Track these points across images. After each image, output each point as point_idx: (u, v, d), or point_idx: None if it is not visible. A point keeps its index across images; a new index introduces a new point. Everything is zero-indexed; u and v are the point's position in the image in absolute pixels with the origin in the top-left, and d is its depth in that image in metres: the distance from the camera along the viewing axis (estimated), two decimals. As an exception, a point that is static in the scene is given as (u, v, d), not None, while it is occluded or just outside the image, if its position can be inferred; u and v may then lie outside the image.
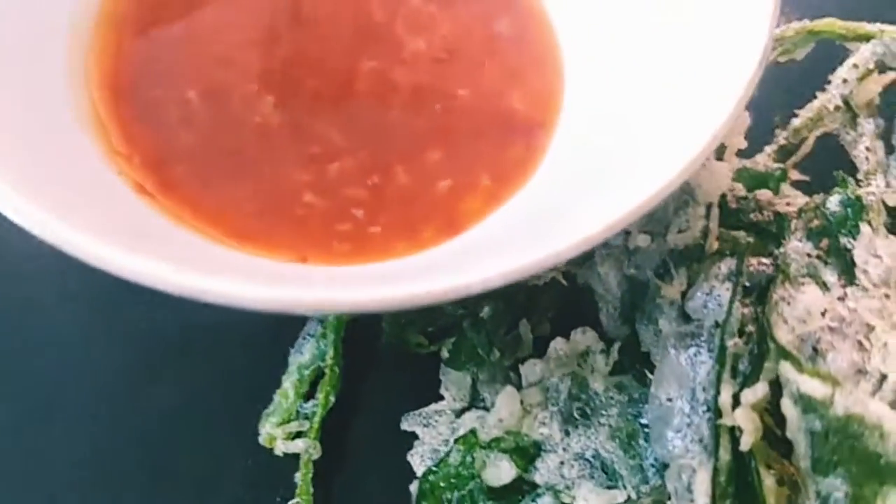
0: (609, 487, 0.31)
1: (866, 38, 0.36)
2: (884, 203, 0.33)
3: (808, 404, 0.26)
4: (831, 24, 0.37)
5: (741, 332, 0.29)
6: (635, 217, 0.25)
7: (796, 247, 0.30)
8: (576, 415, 0.32)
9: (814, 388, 0.26)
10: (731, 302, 0.29)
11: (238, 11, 0.37)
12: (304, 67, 0.36)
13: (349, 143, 0.34)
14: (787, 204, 0.35)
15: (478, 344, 0.35)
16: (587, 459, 0.31)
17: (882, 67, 0.37)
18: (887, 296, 0.29)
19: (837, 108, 0.36)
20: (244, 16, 0.37)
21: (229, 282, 0.24)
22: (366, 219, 0.33)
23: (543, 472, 0.31)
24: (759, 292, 0.29)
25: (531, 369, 0.34)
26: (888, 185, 0.37)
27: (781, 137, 0.39)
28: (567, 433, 0.32)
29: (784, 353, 0.27)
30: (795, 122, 0.38)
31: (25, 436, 0.35)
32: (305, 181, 0.33)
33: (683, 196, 0.31)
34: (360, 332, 0.37)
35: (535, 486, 0.32)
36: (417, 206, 0.34)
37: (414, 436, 0.35)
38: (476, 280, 0.25)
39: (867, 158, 0.35)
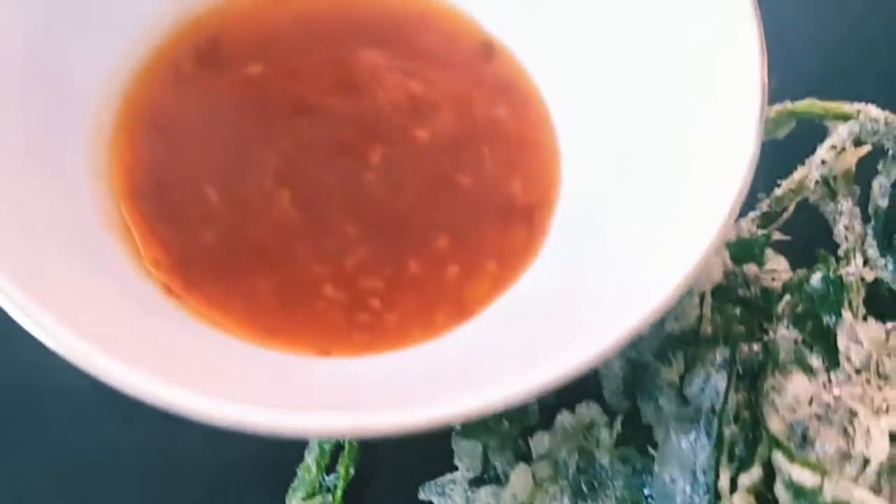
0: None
1: (844, 117, 0.39)
2: (862, 279, 0.36)
3: (799, 491, 0.29)
4: (811, 104, 0.39)
5: (736, 418, 0.31)
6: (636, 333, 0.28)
7: (784, 334, 0.33)
8: (584, 488, 0.35)
9: (804, 477, 0.29)
10: (727, 391, 0.31)
11: (250, 108, 0.39)
12: (315, 162, 0.38)
13: (362, 235, 0.37)
14: (773, 279, 0.37)
15: (489, 416, 0.38)
16: (597, 532, 0.34)
17: (858, 142, 0.40)
18: (868, 381, 0.31)
19: (816, 182, 0.39)
20: (256, 112, 0.38)
21: (253, 412, 0.26)
22: (382, 308, 0.35)
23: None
24: (751, 378, 0.32)
25: (540, 441, 0.36)
26: (865, 257, 0.39)
27: (765, 204, 0.41)
28: (578, 504, 0.34)
29: (776, 443, 0.30)
30: (777, 191, 0.41)
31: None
32: (324, 274, 0.36)
33: (680, 286, 0.34)
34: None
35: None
36: (429, 294, 0.36)
37: (430, 504, 0.38)
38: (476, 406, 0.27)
39: (846, 237, 0.38)
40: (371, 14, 0.41)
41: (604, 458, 0.35)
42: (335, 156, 0.38)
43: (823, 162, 0.38)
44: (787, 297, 0.35)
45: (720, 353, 0.32)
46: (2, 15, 0.33)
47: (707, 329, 0.34)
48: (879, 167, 0.41)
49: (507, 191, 0.38)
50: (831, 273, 0.36)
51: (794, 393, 0.31)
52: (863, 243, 0.40)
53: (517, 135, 0.40)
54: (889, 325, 0.34)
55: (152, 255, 0.34)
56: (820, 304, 0.35)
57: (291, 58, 0.40)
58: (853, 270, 0.35)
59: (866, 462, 0.30)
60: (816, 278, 0.36)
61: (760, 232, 0.41)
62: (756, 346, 0.33)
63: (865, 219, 0.41)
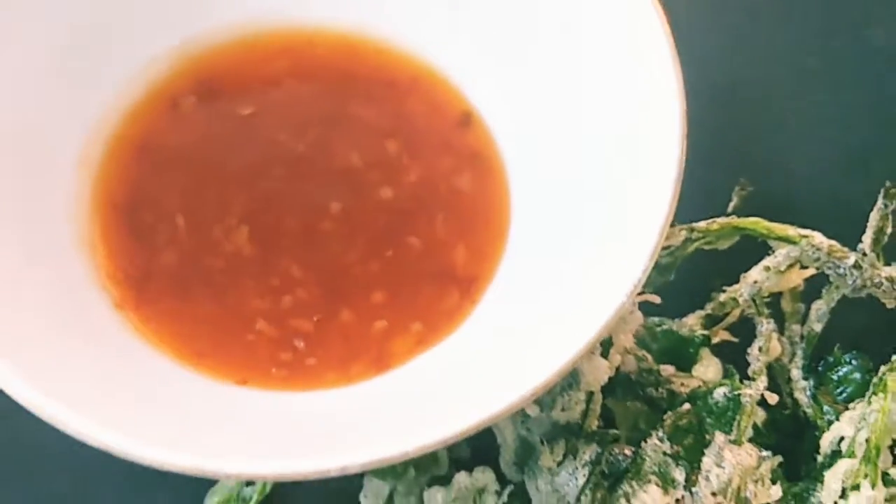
0: None
1: (786, 240, 0.40)
2: (765, 402, 0.37)
3: None
4: (756, 222, 0.40)
5: (590, 516, 0.33)
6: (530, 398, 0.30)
7: (655, 444, 0.34)
8: (460, 546, 0.37)
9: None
10: (582, 489, 0.33)
11: (234, 146, 0.42)
12: (280, 205, 0.41)
13: (305, 278, 0.40)
14: (682, 384, 0.38)
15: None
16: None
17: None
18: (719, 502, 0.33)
19: (746, 301, 0.40)
20: (238, 151, 0.42)
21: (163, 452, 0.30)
22: (306, 350, 0.39)
23: None
24: (614, 480, 0.34)
25: (434, 496, 0.39)
26: (789, 376, 0.40)
27: (708, 307, 0.42)
28: (448, 561, 0.37)
29: (609, 548, 0.32)
30: (721, 297, 0.42)
31: None
32: (261, 309, 0.39)
33: (569, 379, 0.36)
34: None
35: None
36: (352, 343, 0.39)
37: (330, 531, 0.41)
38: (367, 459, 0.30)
39: (758, 359, 0.39)
40: (365, 72, 0.44)
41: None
42: (300, 201, 0.42)
43: (755, 282, 0.39)
44: (687, 405, 0.36)
45: (591, 451, 0.34)
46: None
47: (591, 424, 0.36)
48: (823, 291, 0.41)
49: (450, 258, 0.41)
50: (733, 391, 0.37)
51: (643, 502, 0.32)
52: (790, 361, 0.41)
53: (473, 207, 0.42)
54: (764, 453, 0.35)
55: (113, 268, 0.39)
56: (718, 418, 0.37)
57: (282, 104, 0.44)
58: (752, 392, 0.37)
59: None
60: (720, 392, 0.37)
61: (701, 332, 0.42)
62: (628, 451, 0.35)
63: (801, 338, 0.41)
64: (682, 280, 0.43)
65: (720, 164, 0.48)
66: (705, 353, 0.41)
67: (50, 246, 0.37)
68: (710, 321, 0.43)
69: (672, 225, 0.40)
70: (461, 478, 0.39)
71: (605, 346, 0.37)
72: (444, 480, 0.40)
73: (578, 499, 0.33)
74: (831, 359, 0.40)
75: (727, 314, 0.42)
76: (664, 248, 0.40)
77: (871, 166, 0.49)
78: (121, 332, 0.37)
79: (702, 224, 0.40)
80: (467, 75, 0.44)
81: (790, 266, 0.41)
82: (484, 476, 0.39)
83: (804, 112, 0.51)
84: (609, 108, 0.39)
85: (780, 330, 0.42)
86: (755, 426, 0.37)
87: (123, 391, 0.34)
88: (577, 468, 0.34)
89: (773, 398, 0.38)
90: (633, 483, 0.33)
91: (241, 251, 0.40)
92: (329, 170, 0.42)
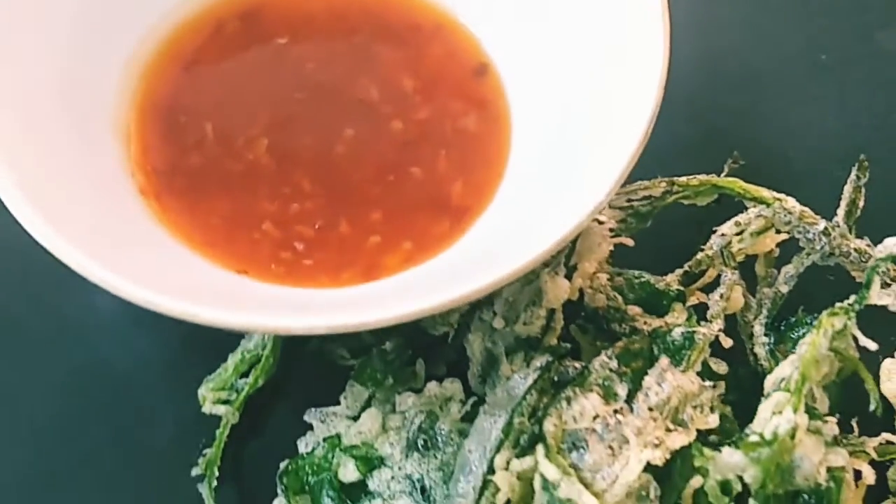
0: (420, 504, 0.39)
1: (761, 201, 0.42)
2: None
3: (545, 483, 0.34)
4: (734, 182, 0.43)
5: (533, 416, 0.36)
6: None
7: (603, 361, 0.37)
8: (419, 444, 0.40)
9: (550, 471, 0.33)
10: (529, 388, 0.36)
11: (267, 70, 0.47)
12: (300, 125, 0.45)
13: (313, 191, 0.44)
14: (645, 323, 0.41)
15: (378, 369, 0.44)
16: (412, 480, 0.39)
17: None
18: (654, 419, 0.35)
19: (715, 252, 0.42)
20: (270, 75, 0.47)
21: (190, 304, 0.34)
22: (304, 252, 0.42)
23: (377, 480, 0.40)
24: (560, 386, 0.37)
25: (405, 399, 0.42)
26: (752, 331, 0.43)
27: (686, 265, 0.45)
28: (406, 456, 0.40)
29: (543, 440, 0.34)
30: (698, 255, 0.45)
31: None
32: (269, 212, 0.43)
33: (533, 297, 0.39)
34: (297, 337, 0.46)
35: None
36: (347, 252, 0.43)
37: (310, 426, 0.44)
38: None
39: (717, 303, 0.41)
40: (394, 16, 0.48)
41: (445, 427, 0.40)
42: (318, 123, 0.46)
43: (723, 235, 0.42)
44: (633, 338, 0.39)
45: (541, 360, 0.37)
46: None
47: (551, 340, 0.39)
48: (794, 257, 0.44)
49: (447, 190, 0.45)
50: (690, 329, 0.39)
51: (582, 407, 0.35)
52: (755, 318, 0.43)
53: (475, 148, 0.46)
54: (707, 383, 0.37)
55: (143, 160, 0.43)
56: (673, 354, 0.39)
57: (315, 37, 0.48)
58: (705, 331, 0.39)
59: (614, 482, 0.34)
60: (678, 331, 0.40)
61: (677, 288, 0.45)
62: (578, 364, 0.37)
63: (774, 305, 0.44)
64: (668, 245, 0.46)
65: (718, 142, 0.50)
66: (678, 307, 0.44)
67: (93, 131, 0.42)
68: (688, 279, 0.45)
69: (654, 177, 0.44)
70: (432, 386, 0.42)
71: (570, 270, 0.40)
72: (419, 392, 0.44)
73: (524, 397, 0.36)
74: (793, 319, 0.43)
75: (703, 272, 0.45)
76: (644, 198, 0.43)
77: (877, 165, 0.51)
78: (141, 214, 0.41)
79: (682, 179, 0.43)
80: (487, 29, 0.48)
81: (765, 230, 0.43)
82: (452, 386, 0.42)
83: (808, 103, 0.53)
84: (613, 66, 0.42)
85: (752, 292, 0.44)
86: (706, 367, 0.39)
87: (143, 255, 0.39)
88: (528, 374, 0.37)
89: (727, 341, 0.40)
90: (577, 390, 0.36)
91: (259, 160, 0.44)
92: (348, 99, 0.46)
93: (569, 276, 0.40)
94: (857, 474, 0.40)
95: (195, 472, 0.44)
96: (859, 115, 0.53)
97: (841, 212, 0.43)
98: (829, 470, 0.34)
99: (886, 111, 0.53)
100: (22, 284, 0.48)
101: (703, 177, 0.43)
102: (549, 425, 0.35)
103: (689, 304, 0.44)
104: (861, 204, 0.43)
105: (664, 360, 0.37)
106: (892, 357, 0.47)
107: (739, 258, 0.44)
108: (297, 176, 0.44)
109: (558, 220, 0.37)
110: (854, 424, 0.44)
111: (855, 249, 0.42)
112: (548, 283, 0.38)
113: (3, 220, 0.36)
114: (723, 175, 0.47)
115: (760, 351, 0.42)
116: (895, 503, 0.43)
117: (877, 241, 0.43)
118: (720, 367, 0.42)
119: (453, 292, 0.34)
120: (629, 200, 0.43)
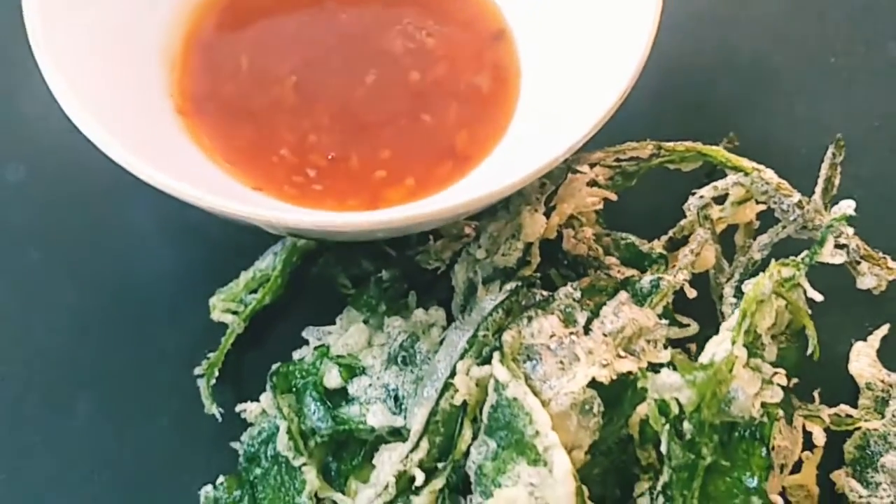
0: (394, 413, 0.42)
1: (741, 170, 0.45)
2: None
3: (497, 384, 0.37)
4: (717, 151, 0.45)
5: (498, 331, 0.40)
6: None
7: (568, 291, 0.40)
8: (399, 359, 0.44)
9: (502, 373, 0.37)
10: (496, 307, 0.40)
11: (299, 18, 0.51)
12: (326, 67, 0.50)
13: (330, 126, 0.48)
14: (619, 272, 0.44)
15: (373, 296, 0.48)
16: (388, 389, 0.43)
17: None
18: (606, 344, 0.38)
19: (692, 213, 0.45)
20: (303, 22, 0.51)
21: (220, 199, 0.38)
22: (315, 179, 0.47)
23: (356, 386, 0.43)
24: (525, 308, 0.40)
25: (393, 322, 0.46)
26: (721, 293, 0.45)
27: (671, 232, 0.48)
28: (386, 368, 0.43)
29: (500, 349, 0.38)
30: (682, 222, 0.47)
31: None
32: (288, 141, 0.47)
33: (513, 230, 0.42)
34: (306, 263, 0.50)
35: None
36: (354, 182, 0.47)
37: (306, 342, 0.48)
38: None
39: (686, 255, 0.44)
40: (425, -20, 0.53)
41: (425, 347, 0.44)
42: (343, 67, 0.50)
43: (701, 197, 0.45)
44: (600, 274, 0.42)
45: (511, 285, 0.41)
46: None
47: (527, 272, 0.42)
48: (770, 229, 0.46)
49: (453, 138, 0.48)
50: (657, 277, 0.42)
51: (540, 325, 0.38)
52: (727, 282, 0.46)
53: (484, 104, 0.49)
54: (664, 321, 0.40)
55: (183, 84, 0.48)
56: (640, 301, 0.42)
57: (350, -6, 0.52)
58: (671, 278, 0.42)
59: (557, 393, 0.37)
60: (646, 279, 0.43)
61: (660, 251, 0.47)
62: (545, 292, 0.41)
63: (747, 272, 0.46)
64: (659, 217, 0.49)
65: (719, 126, 0.53)
66: (656, 267, 0.47)
67: (144, 59, 0.47)
68: (672, 245, 0.48)
69: (643, 139, 0.47)
70: (419, 313, 0.46)
71: (549, 210, 0.43)
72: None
73: (491, 313, 0.39)
74: (762, 283, 0.45)
75: (686, 237, 0.48)
76: (632, 158, 0.46)
77: (861, 161, 0.54)
78: (176, 130, 0.46)
79: (669, 144, 0.46)
80: (508, -1, 0.52)
81: (745, 200, 0.46)
82: (436, 314, 0.45)
83: (812, 100, 0.56)
84: (612, 38, 0.46)
85: (730, 260, 0.47)
86: (668, 312, 0.42)
87: (173, 160, 0.43)
88: (499, 295, 0.40)
89: (691, 292, 0.43)
90: (539, 311, 0.39)
91: (285, 95, 0.49)
92: (374, 49, 0.50)
93: (547, 214, 0.43)
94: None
95: (197, 370, 0.48)
96: (860, 117, 0.55)
97: (818, 189, 0.45)
98: (763, 405, 0.37)
99: (887, 114, 0.55)
100: (74, 201, 0.53)
101: (689, 143, 0.46)
102: (507, 336, 0.38)
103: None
104: (837, 182, 0.45)
105: (623, 295, 0.40)
106: (864, 341, 0.49)
107: (720, 227, 0.47)
108: (318, 112, 0.48)
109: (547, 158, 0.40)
110: (816, 395, 0.47)
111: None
112: (527, 218, 0.42)
113: (63, 142, 0.41)
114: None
115: (727, 310, 0.44)
116: (847, 472, 0.45)
117: (877, 244, 0.46)
118: (691, 328, 0.45)
119: (432, 206, 0.37)
120: (618, 160, 0.46)
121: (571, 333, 0.39)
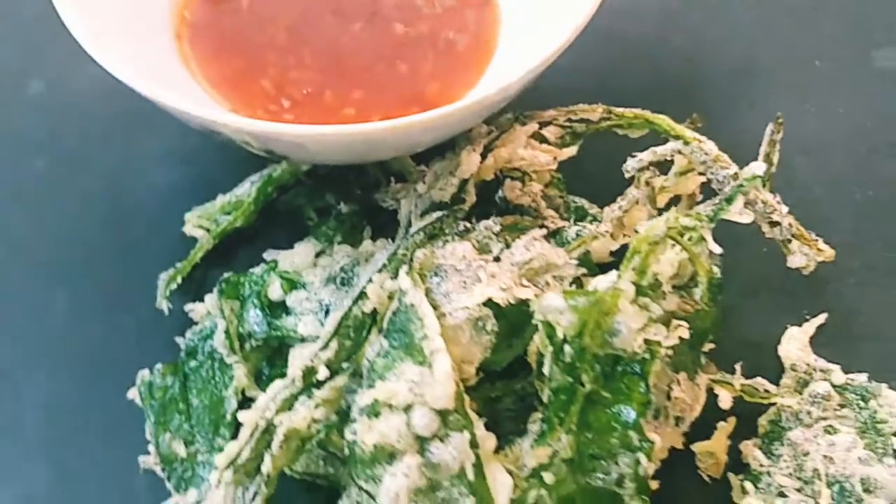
0: (322, 326, 0.45)
1: (682, 139, 0.47)
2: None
3: (400, 292, 0.40)
4: (663, 119, 0.47)
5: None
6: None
7: (488, 224, 0.43)
8: (337, 280, 0.47)
9: (405, 282, 0.39)
10: (418, 230, 0.42)
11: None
12: (319, 14, 0.54)
13: (312, 65, 0.52)
14: (553, 223, 0.47)
15: (331, 227, 0.51)
16: (322, 304, 0.46)
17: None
18: (511, 272, 0.41)
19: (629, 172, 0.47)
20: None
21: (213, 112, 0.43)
22: (289, 109, 0.50)
23: (293, 298, 0.46)
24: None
25: (341, 248, 0.49)
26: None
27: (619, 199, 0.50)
28: (324, 286, 0.47)
29: (409, 266, 0.40)
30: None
31: None
32: (271, 74, 0.51)
33: (451, 168, 0.45)
34: (279, 195, 0.54)
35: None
36: (323, 117, 0.50)
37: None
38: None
39: (613, 211, 0.46)
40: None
41: (364, 272, 0.47)
42: (335, 15, 0.54)
43: (640, 159, 0.46)
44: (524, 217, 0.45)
45: (433, 216, 0.43)
46: None
47: (463, 207, 0.45)
48: (708, 200, 0.48)
49: (424, 87, 0.52)
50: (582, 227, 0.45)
51: (453, 249, 0.41)
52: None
53: (459, 60, 0.53)
54: (573, 261, 0.42)
55: (185, 12, 0.53)
56: (562, 244, 0.45)
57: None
58: (593, 228, 0.44)
59: (457, 308, 0.39)
60: (573, 229, 0.45)
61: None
62: (469, 224, 0.43)
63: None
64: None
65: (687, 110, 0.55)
66: (599, 229, 0.49)
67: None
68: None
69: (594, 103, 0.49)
70: (367, 244, 0.49)
71: (487, 150, 0.46)
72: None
73: (413, 235, 0.42)
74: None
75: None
76: (582, 120, 0.48)
77: (835, 163, 0.55)
78: (172, 52, 0.51)
79: (619, 109, 0.48)
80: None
81: (688, 171, 0.48)
82: (381, 244, 0.48)
83: (791, 99, 0.57)
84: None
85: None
86: (587, 260, 0.44)
87: (163, 76, 0.48)
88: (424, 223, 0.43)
89: (613, 244, 0.45)
90: (456, 237, 0.42)
91: (277, 34, 0.53)
92: (368, 2, 0.54)
93: (484, 154, 0.45)
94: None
95: (163, 276, 0.52)
96: (836, 120, 0.56)
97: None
98: (647, 343, 0.38)
99: (864, 119, 0.56)
100: (83, 119, 0.59)
101: (637, 111, 0.48)
102: (420, 253, 0.41)
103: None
104: (776, 159, 0.47)
105: (537, 231, 0.42)
106: (800, 326, 0.50)
107: (665, 197, 0.49)
108: (304, 52, 0.52)
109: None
110: (738, 367, 0.48)
111: (762, 201, 0.46)
112: (464, 156, 0.45)
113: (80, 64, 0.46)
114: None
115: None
116: (756, 443, 0.46)
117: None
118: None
119: (384, 124, 0.41)
120: (569, 120, 0.48)
121: (482, 259, 0.41)
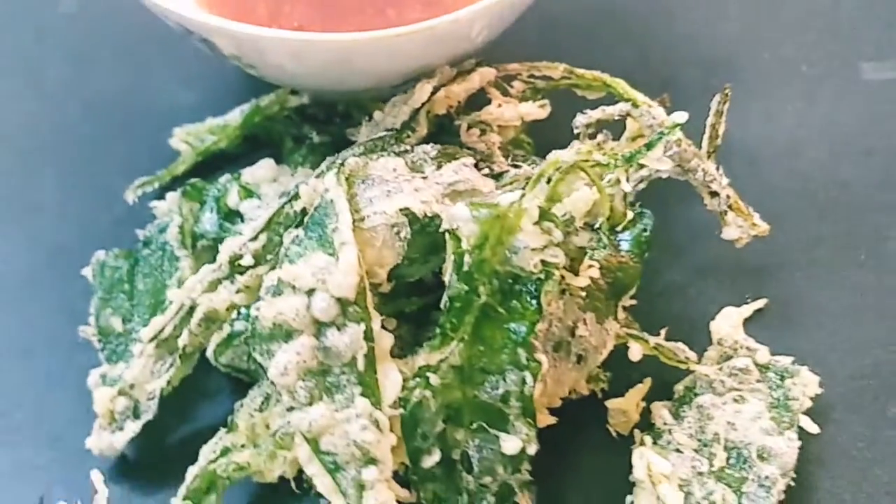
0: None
1: (633, 102, 0.48)
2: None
3: (324, 190, 0.42)
4: (618, 83, 0.49)
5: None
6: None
7: (426, 149, 0.45)
8: (289, 194, 0.49)
9: (330, 181, 0.42)
10: (359, 145, 0.45)
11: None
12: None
13: (307, 2, 0.55)
14: (499, 166, 0.48)
15: (303, 155, 0.54)
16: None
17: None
18: (435, 189, 0.43)
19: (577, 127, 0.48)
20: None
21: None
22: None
23: (246, 205, 0.49)
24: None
25: (303, 171, 0.52)
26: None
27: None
28: (278, 198, 0.49)
29: (339, 169, 0.43)
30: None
31: None
32: (267, 4, 0.55)
33: (406, 98, 0.48)
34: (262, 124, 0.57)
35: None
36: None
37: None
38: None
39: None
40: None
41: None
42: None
43: (589, 116, 0.48)
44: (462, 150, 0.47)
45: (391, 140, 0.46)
46: None
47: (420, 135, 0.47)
48: (652, 166, 0.49)
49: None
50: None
51: (386, 162, 0.43)
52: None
53: (446, 12, 0.54)
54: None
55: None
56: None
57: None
58: (527, 168, 0.46)
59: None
60: (513, 171, 0.47)
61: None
62: (406, 148, 0.46)
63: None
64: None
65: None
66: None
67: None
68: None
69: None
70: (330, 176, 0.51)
71: (438, 88, 0.48)
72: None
73: (354, 148, 0.45)
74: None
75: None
76: (544, 77, 0.50)
77: (804, 163, 0.56)
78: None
79: (580, 70, 0.50)
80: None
81: (639, 136, 0.49)
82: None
83: (774, 101, 0.58)
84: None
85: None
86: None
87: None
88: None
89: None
90: (393, 154, 0.45)
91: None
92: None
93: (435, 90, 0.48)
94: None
95: (137, 181, 0.56)
96: (815, 122, 0.57)
97: (705, 140, 0.48)
98: (544, 263, 0.40)
99: (841, 126, 0.57)
100: (108, 33, 0.64)
101: (596, 73, 0.50)
102: (351, 161, 0.43)
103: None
104: (721, 131, 0.48)
105: (469, 160, 0.44)
106: (738, 307, 0.51)
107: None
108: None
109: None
110: (662, 332, 0.49)
111: (703, 170, 0.47)
112: (418, 87, 0.47)
113: None
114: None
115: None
116: (665, 404, 0.47)
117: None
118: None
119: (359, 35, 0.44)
120: (531, 76, 0.50)
121: (411, 175, 0.43)
